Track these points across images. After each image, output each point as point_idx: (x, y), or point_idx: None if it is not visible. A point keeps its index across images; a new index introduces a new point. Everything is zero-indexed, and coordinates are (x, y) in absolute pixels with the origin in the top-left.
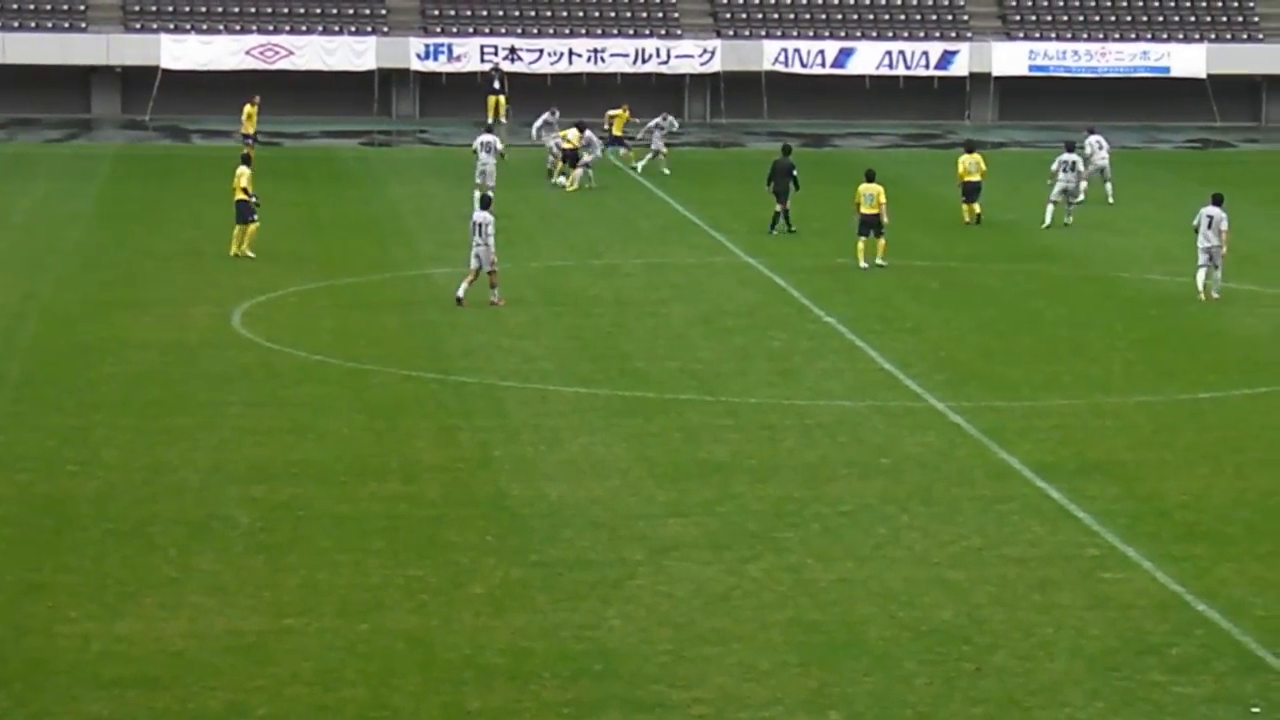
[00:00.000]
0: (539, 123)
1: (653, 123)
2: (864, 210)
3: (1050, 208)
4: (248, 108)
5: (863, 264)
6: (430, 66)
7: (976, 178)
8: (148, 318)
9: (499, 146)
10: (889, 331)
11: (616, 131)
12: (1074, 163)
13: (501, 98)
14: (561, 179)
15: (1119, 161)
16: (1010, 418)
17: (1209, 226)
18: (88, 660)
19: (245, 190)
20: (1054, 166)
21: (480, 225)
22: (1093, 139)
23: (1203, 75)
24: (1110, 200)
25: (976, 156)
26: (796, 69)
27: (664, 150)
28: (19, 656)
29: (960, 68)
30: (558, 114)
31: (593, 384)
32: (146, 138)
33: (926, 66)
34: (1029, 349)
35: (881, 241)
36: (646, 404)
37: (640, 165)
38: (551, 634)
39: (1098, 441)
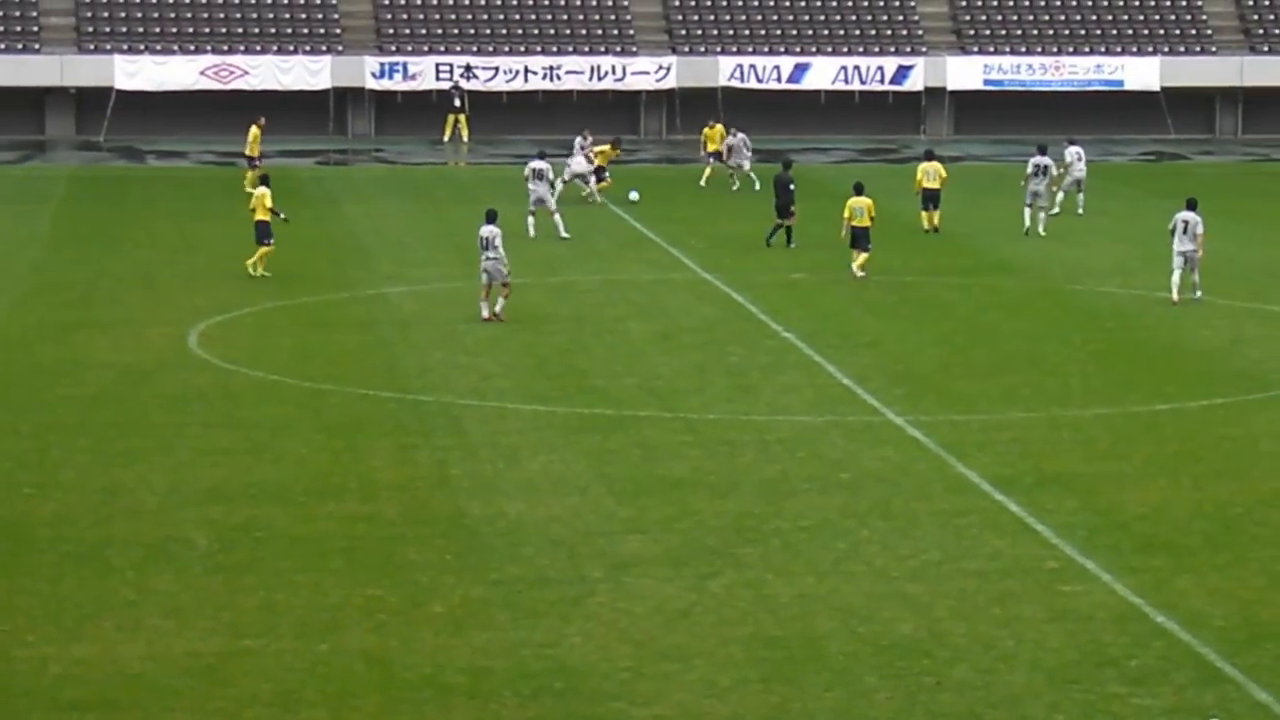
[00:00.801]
0: (577, 152)
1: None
2: (855, 224)
3: (1027, 212)
4: (253, 129)
5: (859, 274)
6: (385, 85)
7: (935, 185)
8: (104, 339)
9: (550, 174)
10: (847, 346)
11: (601, 162)
12: (1046, 166)
13: (462, 116)
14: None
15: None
16: (969, 431)
17: (1184, 231)
18: (45, 684)
19: (272, 210)
20: (1028, 170)
21: (488, 239)
22: (1072, 150)
23: (1156, 88)
24: (1080, 211)
25: (935, 164)
26: (752, 84)
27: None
28: None
29: (915, 82)
30: (590, 137)
31: (551, 401)
32: (101, 159)
33: (882, 81)
34: (987, 362)
35: (864, 255)
36: (605, 421)
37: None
38: (512, 652)
39: (1056, 454)
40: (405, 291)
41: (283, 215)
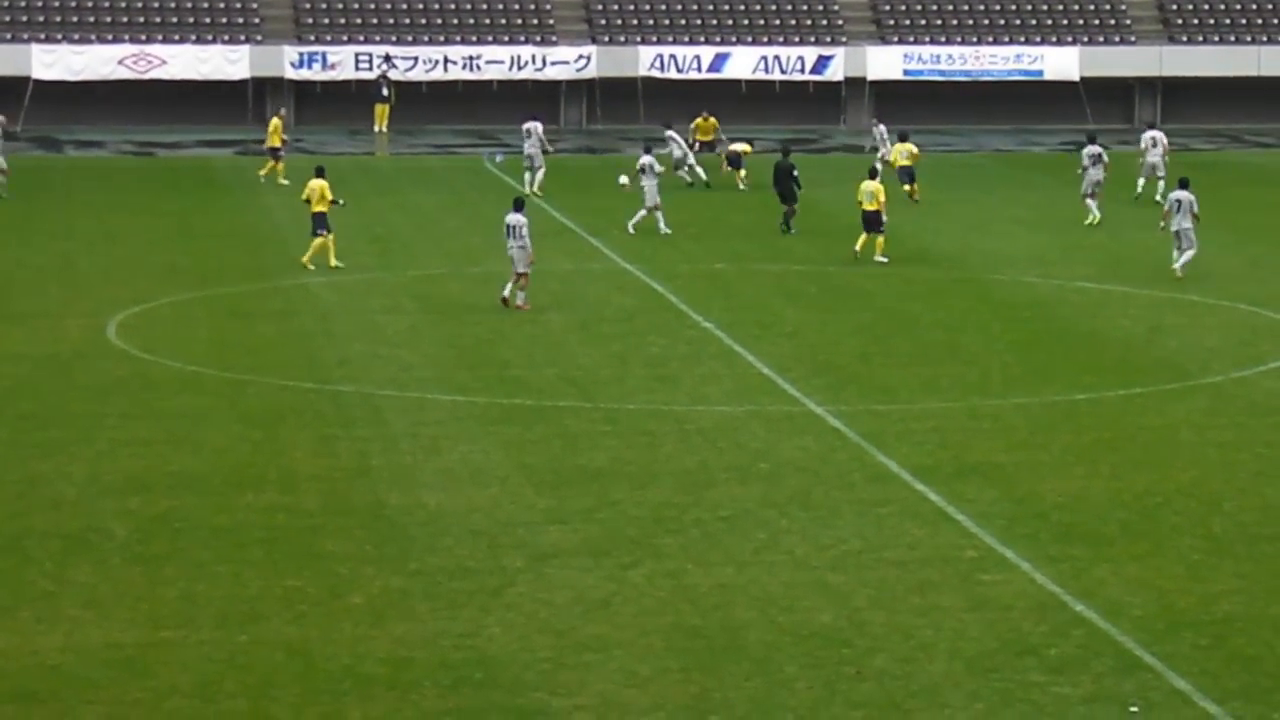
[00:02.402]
0: (677, 148)
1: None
2: (865, 207)
3: (1090, 203)
4: (274, 120)
5: (856, 249)
6: (305, 75)
7: (907, 163)
8: (21, 330)
9: (658, 167)
10: (767, 336)
11: (702, 138)
12: (1099, 154)
13: (388, 106)
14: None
15: (992, 165)
16: (888, 421)
17: (1178, 210)
18: None
19: (331, 200)
20: (1084, 161)
21: (514, 227)
22: (1148, 135)
23: (1076, 78)
24: (1158, 199)
25: (909, 145)
26: (673, 74)
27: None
28: None
29: (835, 72)
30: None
31: (471, 392)
32: (18, 148)
33: (802, 71)
34: (906, 352)
35: (880, 238)
36: (525, 411)
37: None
38: (432, 643)
39: (975, 444)
40: (324, 282)
41: (341, 201)
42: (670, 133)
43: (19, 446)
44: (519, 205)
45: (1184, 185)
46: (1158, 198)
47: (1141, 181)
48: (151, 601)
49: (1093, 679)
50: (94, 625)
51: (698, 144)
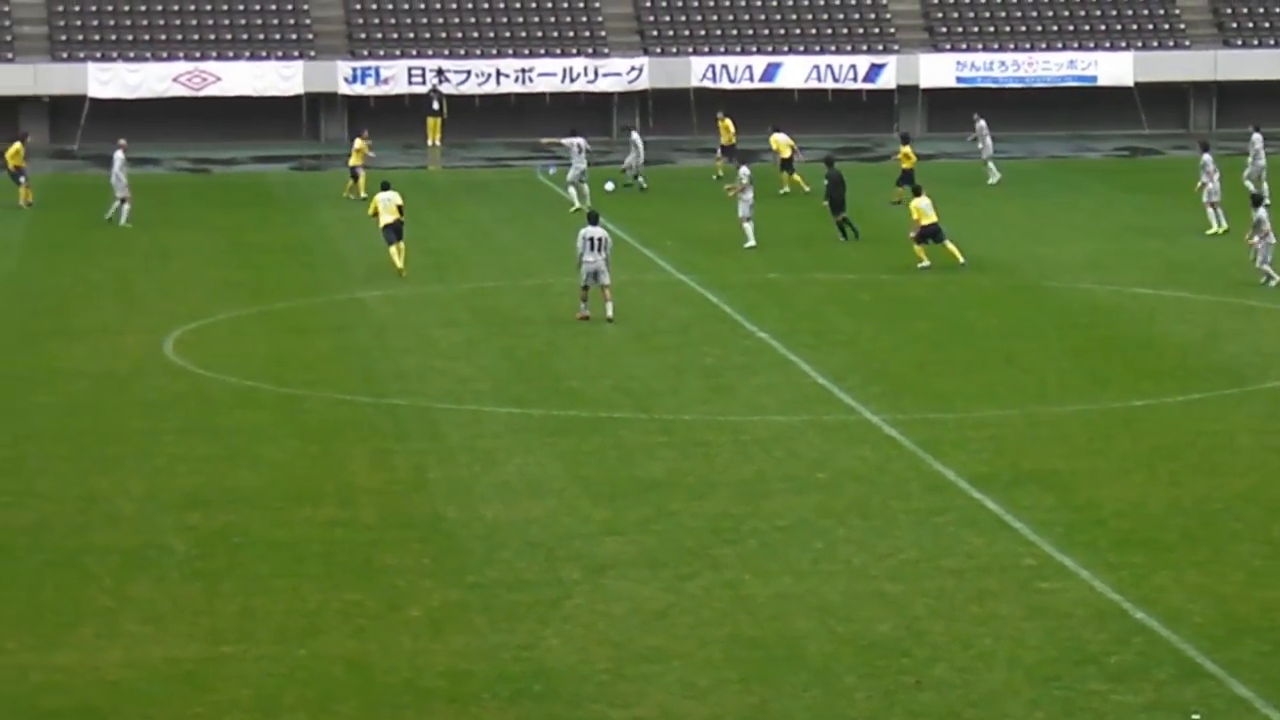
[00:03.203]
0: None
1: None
2: (925, 221)
3: (1211, 212)
4: (358, 141)
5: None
6: (358, 90)
7: (908, 166)
8: (80, 347)
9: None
10: (823, 345)
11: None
12: (1209, 162)
13: (440, 120)
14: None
15: (1047, 171)
16: (945, 429)
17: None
18: (25, 692)
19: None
20: (1209, 168)
21: (597, 240)
22: (1257, 137)
23: (1130, 83)
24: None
25: (908, 149)
26: (725, 84)
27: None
28: None
29: (888, 80)
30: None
31: (527, 404)
32: (75, 166)
33: (854, 79)
34: (963, 360)
35: (951, 243)
36: (581, 423)
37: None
38: (490, 655)
39: (1033, 451)
40: (380, 296)
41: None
42: (634, 135)
43: (78, 463)
44: (594, 219)
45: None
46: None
47: (1250, 185)
48: (211, 616)
49: (1154, 687)
50: (154, 641)
51: (719, 147)
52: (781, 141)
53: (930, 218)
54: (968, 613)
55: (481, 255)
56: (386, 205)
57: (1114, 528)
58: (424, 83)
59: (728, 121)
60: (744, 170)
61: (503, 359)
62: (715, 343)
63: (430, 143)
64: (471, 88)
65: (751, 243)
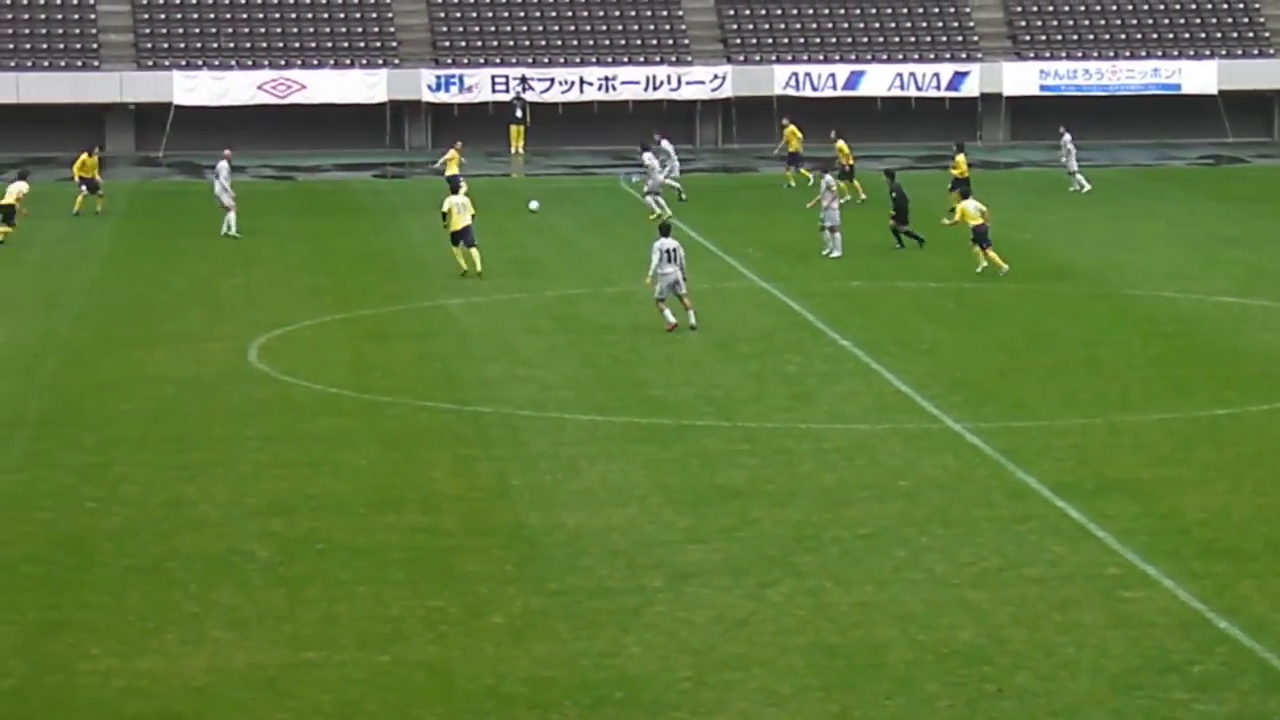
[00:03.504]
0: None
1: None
2: (974, 222)
3: None
4: (450, 151)
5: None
6: (442, 98)
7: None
8: (164, 353)
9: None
10: (905, 353)
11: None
12: None
13: (523, 127)
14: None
15: (1131, 179)
16: (1028, 437)
17: None
18: (109, 697)
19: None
20: None
21: (671, 251)
22: None
23: (1214, 91)
24: None
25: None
26: (808, 93)
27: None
28: (40, 695)
29: (971, 88)
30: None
31: (609, 411)
32: (160, 174)
33: (938, 88)
34: (1045, 368)
35: (994, 253)
36: (663, 431)
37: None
38: (572, 662)
39: (1116, 460)
40: (462, 303)
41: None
42: (665, 144)
43: (163, 469)
44: (668, 230)
45: None
46: None
47: None
48: (294, 623)
49: (1237, 697)
50: (237, 647)
51: (786, 156)
52: (844, 149)
53: (977, 220)
54: (1050, 621)
55: (564, 263)
56: (462, 209)
57: (1197, 536)
58: (507, 91)
59: (794, 129)
60: (828, 179)
61: (585, 366)
62: (797, 350)
63: (513, 150)
64: (555, 96)
65: (836, 252)
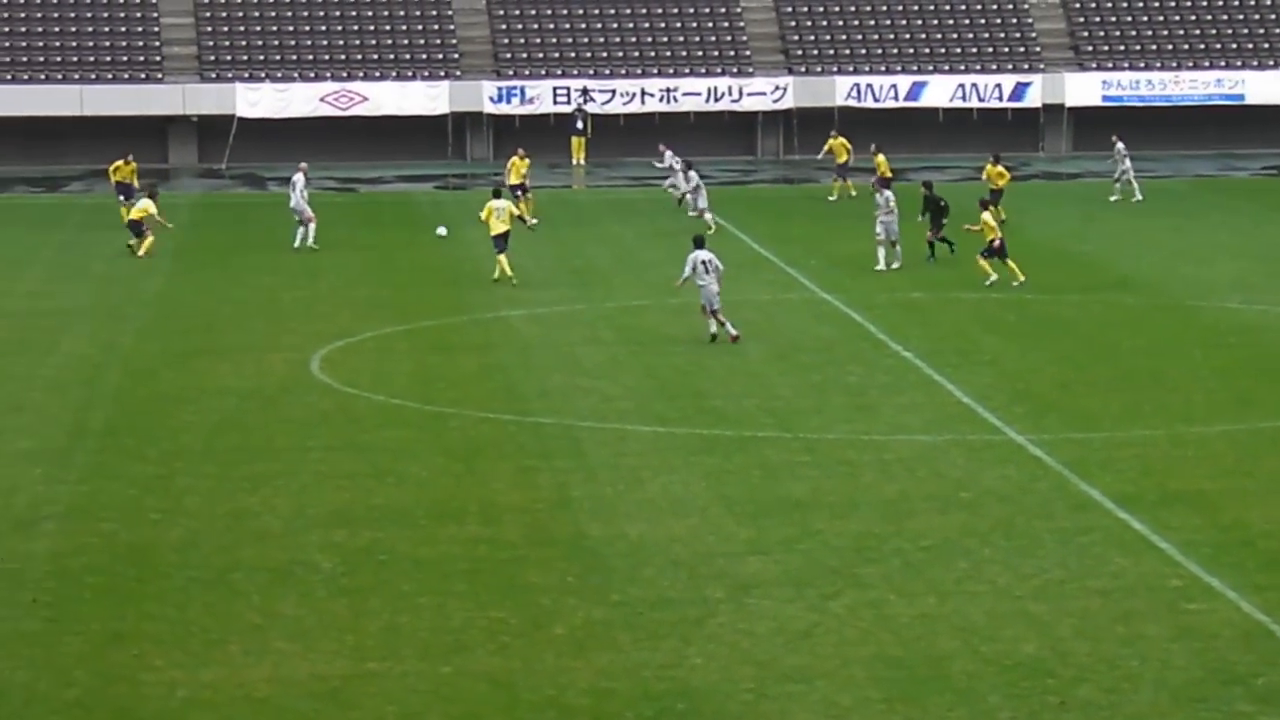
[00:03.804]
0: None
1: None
2: (994, 235)
3: None
4: (514, 160)
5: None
6: (503, 109)
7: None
8: (227, 365)
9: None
10: (967, 364)
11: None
12: None
13: (584, 139)
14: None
15: (1194, 190)
16: (1090, 449)
17: None
18: (173, 708)
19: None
20: None
21: (709, 262)
22: None
23: (1278, 102)
24: None
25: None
26: (869, 104)
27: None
28: (105, 706)
29: (1033, 99)
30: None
31: (670, 423)
32: (223, 186)
33: (1000, 98)
34: (1108, 380)
35: (1012, 263)
36: (725, 442)
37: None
38: (634, 673)
39: (1179, 471)
40: (524, 315)
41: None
42: (668, 155)
43: (226, 480)
44: (701, 242)
45: None
46: None
47: None
48: (357, 633)
49: None
50: (300, 657)
51: (835, 167)
52: (883, 162)
53: (997, 232)
54: (1113, 633)
55: (625, 274)
56: (500, 214)
57: (1262, 548)
58: (569, 102)
59: (842, 140)
60: (887, 193)
61: (646, 378)
62: (859, 362)
63: (575, 162)
64: (616, 107)
65: (895, 264)
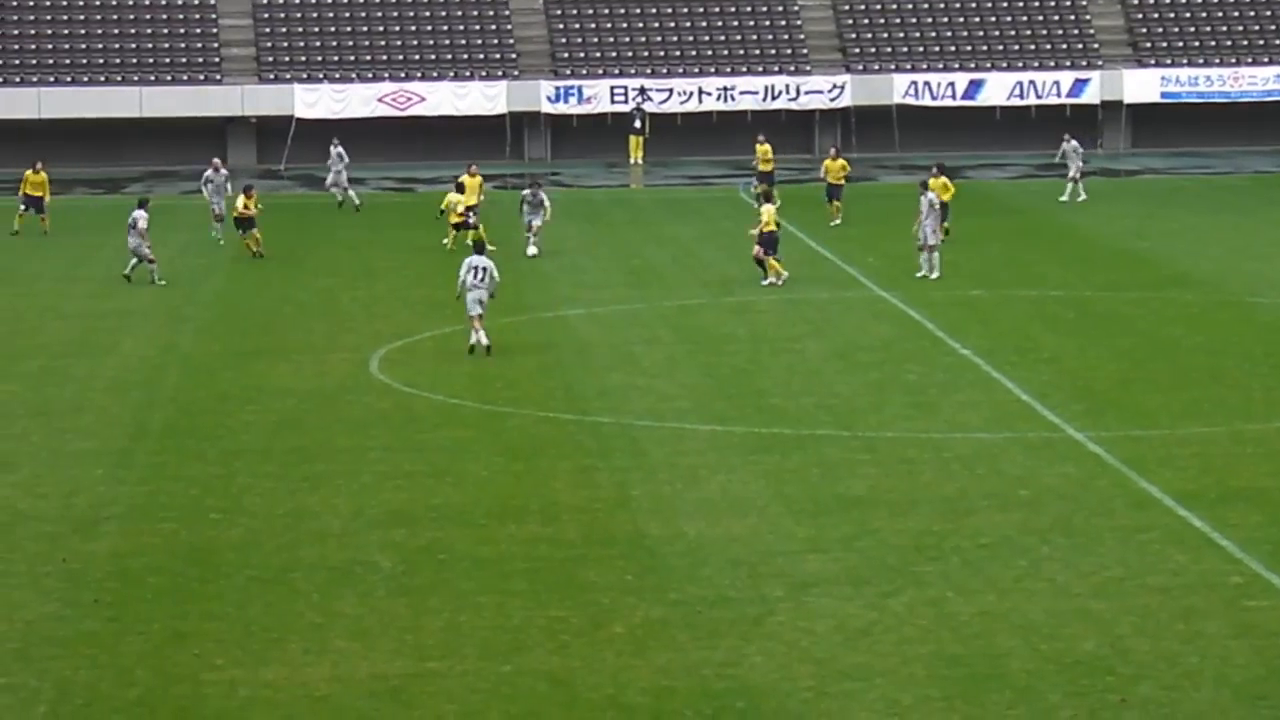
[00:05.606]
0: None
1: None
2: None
3: None
4: (464, 177)
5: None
6: (561, 109)
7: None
8: (287, 365)
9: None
10: (1025, 362)
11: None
12: None
13: (642, 138)
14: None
15: (1254, 186)
16: (1150, 446)
17: None
18: (234, 707)
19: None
20: None
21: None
22: None
23: None
24: None
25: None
26: (927, 101)
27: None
28: (167, 705)
29: (1092, 96)
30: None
31: (729, 421)
32: (282, 187)
33: (1058, 95)
34: (1167, 377)
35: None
36: (783, 440)
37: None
38: (693, 672)
39: (1239, 468)
40: (582, 314)
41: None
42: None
43: (286, 480)
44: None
45: None
46: None
47: None
48: (416, 633)
49: None
50: (360, 657)
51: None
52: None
53: (774, 226)
54: (1173, 631)
55: (683, 273)
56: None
57: None
58: (626, 102)
59: (842, 162)
60: (930, 195)
61: (704, 376)
62: (917, 360)
63: (632, 161)
64: (673, 106)
65: (934, 274)
